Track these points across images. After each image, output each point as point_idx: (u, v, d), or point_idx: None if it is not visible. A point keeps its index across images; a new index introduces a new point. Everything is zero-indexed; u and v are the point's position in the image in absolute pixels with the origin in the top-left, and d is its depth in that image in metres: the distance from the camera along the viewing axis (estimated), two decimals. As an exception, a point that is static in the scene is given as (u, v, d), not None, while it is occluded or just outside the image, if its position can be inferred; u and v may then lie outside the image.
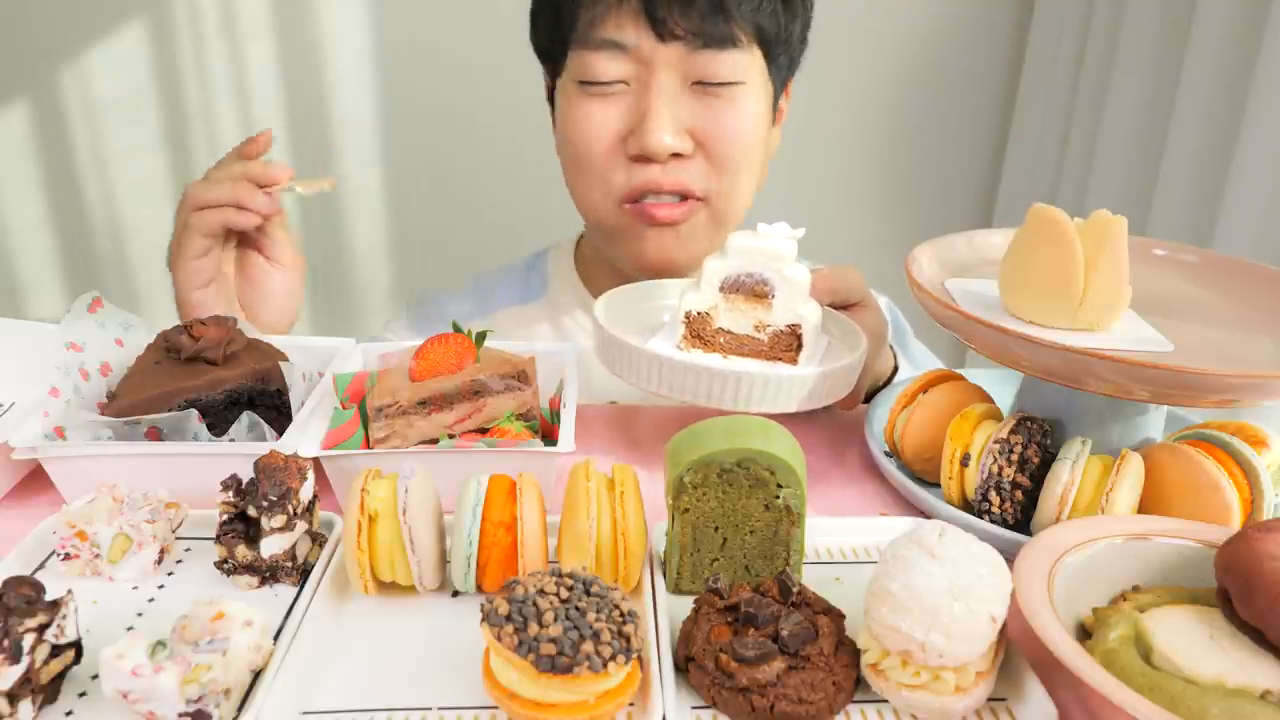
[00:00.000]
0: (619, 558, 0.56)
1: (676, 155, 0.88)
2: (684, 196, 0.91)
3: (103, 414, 0.70)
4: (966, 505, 0.68)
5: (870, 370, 0.80)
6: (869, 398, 0.88)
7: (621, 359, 0.73)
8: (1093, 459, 0.64)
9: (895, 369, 0.92)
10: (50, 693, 0.49)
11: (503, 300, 1.10)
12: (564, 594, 0.48)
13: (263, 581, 0.58)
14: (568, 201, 0.99)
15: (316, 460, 0.65)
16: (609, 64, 0.87)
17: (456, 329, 0.72)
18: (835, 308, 0.81)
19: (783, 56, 0.93)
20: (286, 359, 0.74)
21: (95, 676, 0.50)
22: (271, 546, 0.57)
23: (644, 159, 0.88)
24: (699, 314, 0.74)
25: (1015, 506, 0.65)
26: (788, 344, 0.74)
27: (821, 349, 0.77)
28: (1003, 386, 0.80)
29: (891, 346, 0.93)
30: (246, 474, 0.58)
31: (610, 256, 1.01)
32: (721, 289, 0.74)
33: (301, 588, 0.57)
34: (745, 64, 0.88)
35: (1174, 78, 1.53)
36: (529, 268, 1.13)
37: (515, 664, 0.45)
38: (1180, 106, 1.50)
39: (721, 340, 0.75)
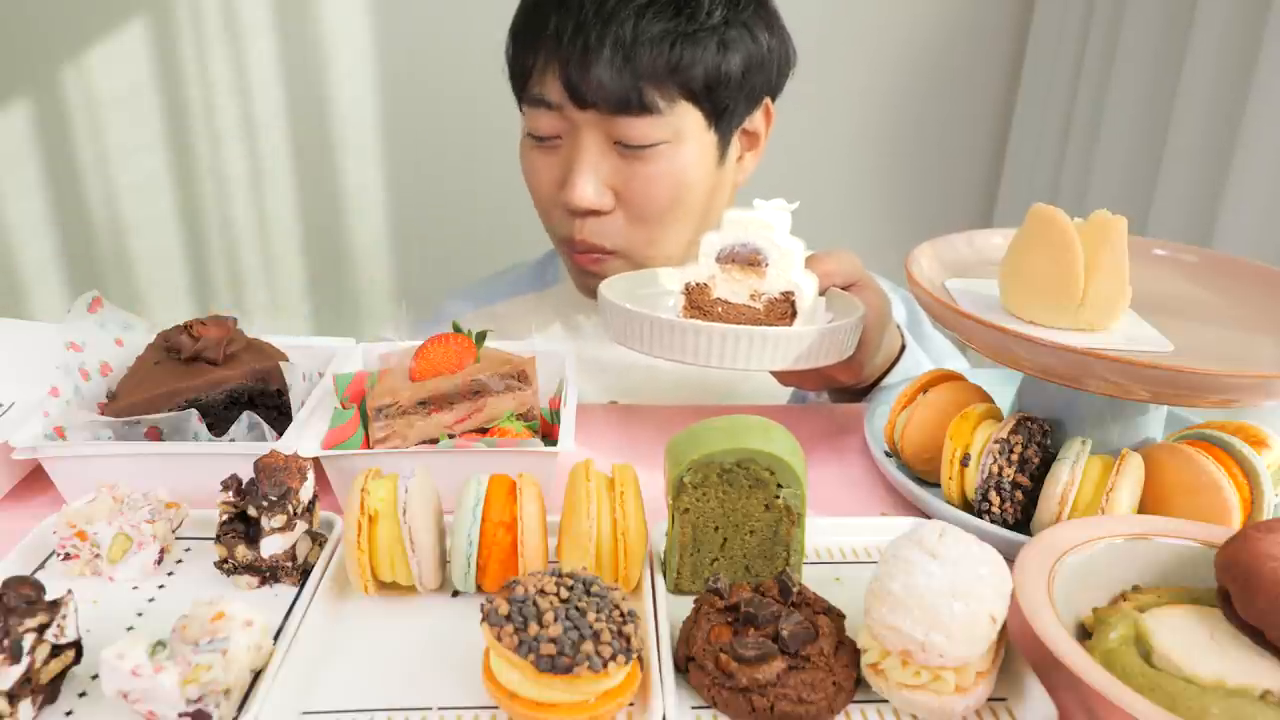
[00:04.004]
0: (619, 558, 0.56)
1: (595, 212, 0.92)
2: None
3: (103, 414, 0.70)
4: (966, 505, 0.68)
5: (874, 342, 0.81)
6: (877, 382, 0.89)
7: (621, 325, 0.76)
8: (1093, 459, 0.64)
9: (903, 347, 0.92)
10: (50, 693, 0.49)
11: (515, 291, 1.13)
12: (564, 594, 0.48)
13: (263, 581, 0.58)
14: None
15: (316, 460, 0.65)
16: (544, 120, 0.91)
17: (456, 329, 0.72)
18: None
19: (728, 99, 0.92)
20: (286, 359, 0.74)
21: (95, 676, 0.50)
22: (271, 546, 0.57)
23: (570, 211, 0.93)
24: (697, 285, 0.77)
25: (1015, 506, 0.65)
26: (783, 311, 0.75)
27: (822, 321, 0.78)
28: (1003, 386, 0.80)
29: (900, 327, 0.94)
30: (246, 474, 0.58)
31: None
32: (717, 260, 0.76)
33: (301, 588, 0.57)
34: (667, 124, 0.89)
35: (1174, 78, 1.53)
36: (543, 262, 1.16)
37: (515, 664, 0.45)
38: (1180, 106, 1.50)
39: (720, 310, 0.77)
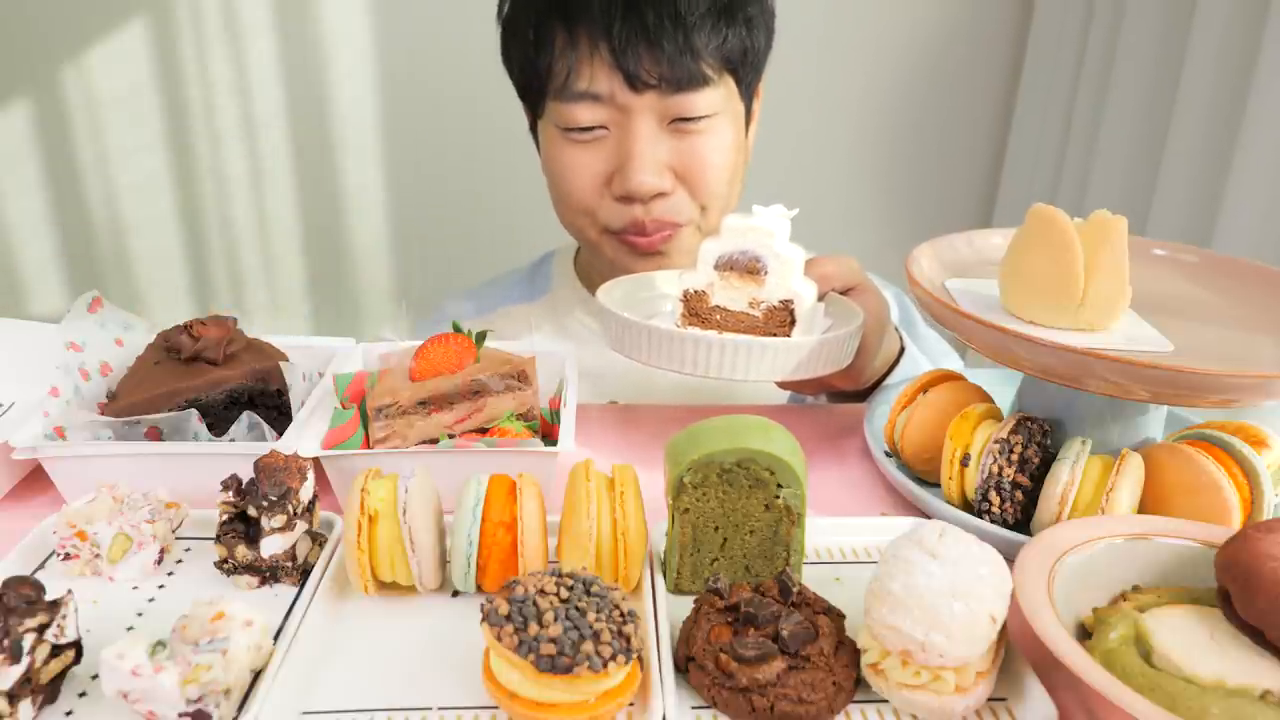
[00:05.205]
0: (619, 558, 0.56)
1: (659, 194, 0.92)
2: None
3: (103, 414, 0.70)
4: (966, 505, 0.68)
5: (872, 349, 0.81)
6: (877, 384, 0.89)
7: (619, 334, 0.75)
8: (1093, 459, 0.64)
9: (902, 350, 0.92)
10: (50, 693, 0.49)
11: (508, 299, 1.13)
12: (564, 594, 0.48)
13: (263, 581, 0.58)
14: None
15: (316, 460, 0.65)
16: (588, 112, 0.90)
17: (456, 329, 0.72)
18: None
19: (751, 74, 0.96)
20: (286, 359, 0.74)
21: (95, 676, 0.50)
22: (271, 546, 0.57)
23: (628, 198, 0.92)
24: (695, 292, 0.76)
25: (1015, 506, 0.65)
26: (782, 319, 0.75)
27: (821, 328, 0.78)
28: (1003, 386, 0.80)
29: (898, 329, 0.94)
30: (246, 474, 0.58)
31: (600, 267, 1.03)
32: (716, 267, 0.75)
33: (301, 588, 0.57)
34: (717, 97, 0.91)
35: (1174, 78, 1.53)
36: (534, 270, 1.16)
37: (515, 664, 0.45)
38: (1180, 106, 1.50)
39: (718, 317, 0.76)
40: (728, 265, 0.75)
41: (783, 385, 0.90)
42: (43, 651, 0.47)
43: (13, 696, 0.46)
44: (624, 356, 0.76)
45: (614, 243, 0.97)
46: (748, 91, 0.97)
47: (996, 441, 0.65)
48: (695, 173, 0.92)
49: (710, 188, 0.93)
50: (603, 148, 0.91)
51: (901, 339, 0.93)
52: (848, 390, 0.87)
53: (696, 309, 0.76)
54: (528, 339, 1.07)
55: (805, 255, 0.76)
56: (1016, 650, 0.52)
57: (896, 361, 0.91)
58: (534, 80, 0.93)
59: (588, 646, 0.45)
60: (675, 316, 0.77)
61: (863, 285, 0.82)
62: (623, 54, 0.86)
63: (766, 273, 0.74)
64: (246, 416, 0.69)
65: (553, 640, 0.45)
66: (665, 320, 0.78)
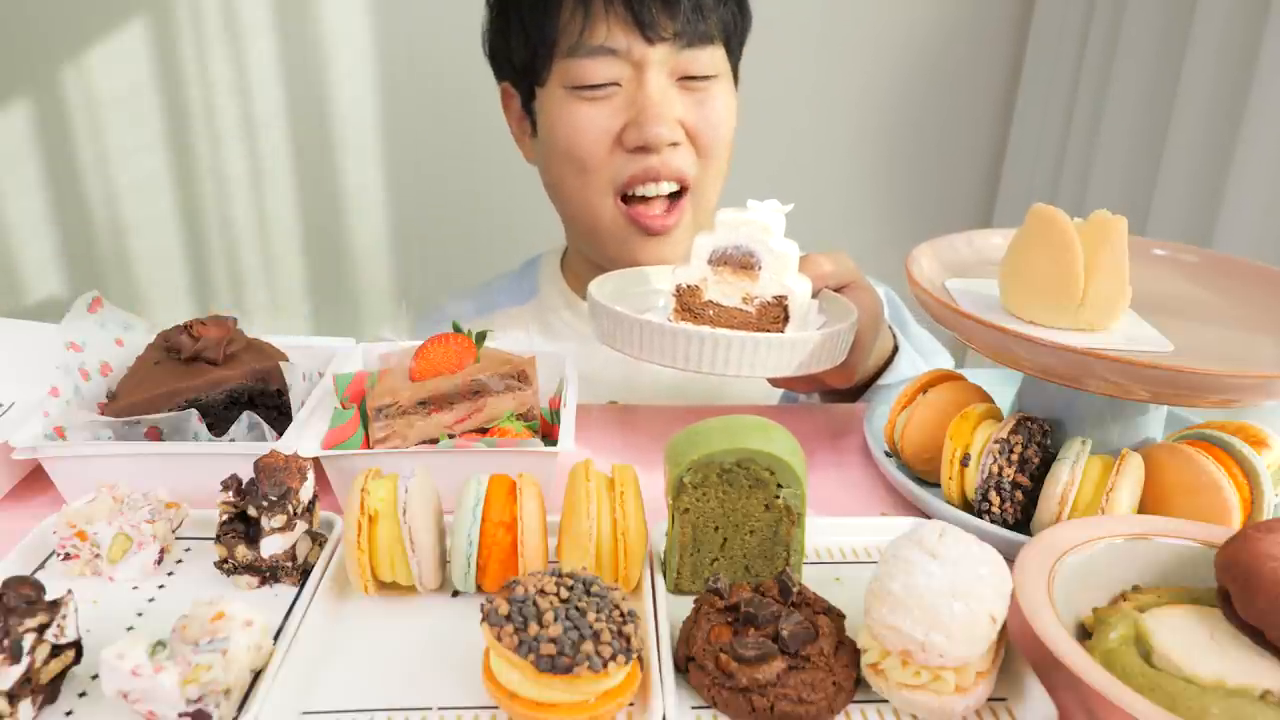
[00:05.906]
0: (619, 558, 0.56)
1: (672, 144, 0.93)
2: (679, 189, 0.95)
3: (103, 414, 0.70)
4: (966, 505, 0.68)
5: (866, 346, 0.81)
6: (870, 382, 0.89)
7: (611, 328, 0.75)
8: (1093, 459, 0.64)
9: (895, 349, 0.92)
10: (50, 693, 0.49)
11: (498, 303, 1.13)
12: (564, 594, 0.48)
13: (263, 581, 0.58)
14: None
15: (316, 460, 0.65)
16: (602, 68, 0.91)
17: (456, 329, 0.72)
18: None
19: (736, 52, 1.00)
20: (286, 359, 0.74)
21: (95, 676, 0.50)
22: (271, 546, 0.57)
23: (642, 150, 0.92)
24: (688, 287, 0.76)
25: (1015, 506, 0.65)
26: (775, 315, 0.74)
27: (815, 325, 0.78)
28: (1003, 386, 0.80)
29: (891, 327, 0.94)
30: (246, 474, 0.58)
31: (600, 259, 1.02)
32: (710, 262, 0.75)
33: (301, 588, 0.57)
34: (718, 59, 0.95)
35: (1174, 78, 1.53)
36: (523, 273, 1.16)
37: (515, 664, 0.45)
38: (1180, 106, 1.50)
39: (711, 313, 0.76)
40: (721, 260, 0.74)
41: (775, 382, 0.90)
42: (43, 651, 0.47)
43: (13, 696, 0.46)
44: (615, 351, 0.75)
45: (623, 220, 0.96)
46: (736, 67, 1.00)
47: (996, 441, 0.65)
48: (703, 127, 0.94)
49: (714, 147, 0.95)
50: (614, 104, 0.92)
51: (895, 338, 0.93)
52: (840, 388, 0.87)
53: (689, 304, 0.76)
54: (526, 340, 1.07)
55: (800, 251, 0.76)
56: (1016, 650, 0.52)
57: (890, 360, 0.91)
58: (541, 45, 0.93)
59: (588, 646, 0.45)
60: (668, 311, 0.77)
61: (857, 282, 0.82)
62: (639, 7, 0.88)
63: (760, 268, 0.74)
64: (246, 416, 0.69)
65: (553, 640, 0.45)
66: (658, 316, 0.78)
